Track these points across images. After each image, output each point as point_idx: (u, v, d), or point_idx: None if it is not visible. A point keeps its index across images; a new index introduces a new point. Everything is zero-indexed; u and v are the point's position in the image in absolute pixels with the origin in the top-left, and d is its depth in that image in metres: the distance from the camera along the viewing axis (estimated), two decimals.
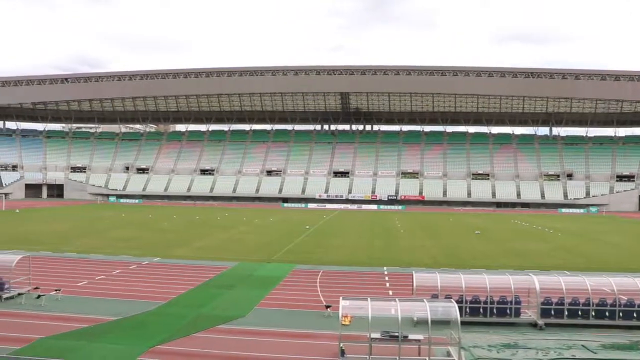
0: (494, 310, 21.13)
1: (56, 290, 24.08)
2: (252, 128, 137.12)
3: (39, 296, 23.19)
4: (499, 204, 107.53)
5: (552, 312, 20.94)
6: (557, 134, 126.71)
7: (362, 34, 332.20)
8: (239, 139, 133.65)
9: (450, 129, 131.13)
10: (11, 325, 19.73)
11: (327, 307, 21.75)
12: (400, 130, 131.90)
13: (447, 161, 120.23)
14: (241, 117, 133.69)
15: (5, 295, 23.58)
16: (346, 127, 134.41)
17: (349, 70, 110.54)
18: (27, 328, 19.36)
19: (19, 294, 23.89)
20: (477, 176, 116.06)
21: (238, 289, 26.53)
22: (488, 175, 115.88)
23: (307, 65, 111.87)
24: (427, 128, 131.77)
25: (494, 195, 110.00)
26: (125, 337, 18.57)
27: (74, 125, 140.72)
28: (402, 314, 16.06)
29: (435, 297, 20.41)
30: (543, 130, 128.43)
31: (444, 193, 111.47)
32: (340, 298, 17.15)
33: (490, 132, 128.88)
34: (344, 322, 16.62)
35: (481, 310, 21.12)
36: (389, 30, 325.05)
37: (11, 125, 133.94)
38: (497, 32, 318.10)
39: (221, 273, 30.54)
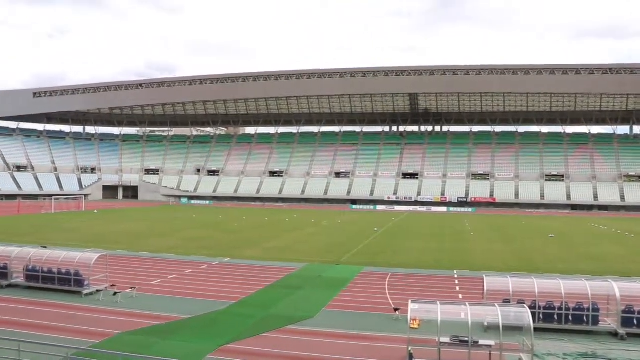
0: (570, 317, 20.28)
1: (131, 288, 24.95)
2: (321, 130, 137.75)
3: (115, 293, 24.12)
4: (574, 207, 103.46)
5: (635, 322, 19.86)
6: (638, 132, 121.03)
7: (429, 34, 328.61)
8: (308, 141, 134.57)
9: (522, 129, 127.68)
10: (91, 320, 20.60)
11: (396, 309, 21.53)
12: (471, 130, 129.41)
13: (519, 162, 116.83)
14: (310, 120, 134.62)
15: (85, 292, 24.70)
16: (415, 128, 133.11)
17: (418, 71, 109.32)
18: (105, 323, 20.16)
19: (98, 291, 24.94)
20: (550, 177, 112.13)
21: (306, 290, 26.66)
22: (562, 176, 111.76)
23: (375, 67, 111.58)
24: (498, 128, 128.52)
25: (568, 197, 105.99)
26: (196, 335, 18.98)
27: (147, 129, 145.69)
28: (472, 319, 15.67)
29: (507, 302, 19.87)
30: (623, 129, 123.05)
31: (516, 195, 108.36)
32: (409, 301, 16.91)
33: (564, 132, 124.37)
34: (412, 326, 16.36)
35: (555, 316, 20.34)
36: (458, 29, 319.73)
37: (90, 129, 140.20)
38: (572, 28, 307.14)
39: (290, 274, 30.78)
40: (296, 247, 42.75)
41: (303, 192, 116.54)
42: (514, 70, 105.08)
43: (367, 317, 21.77)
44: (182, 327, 19.84)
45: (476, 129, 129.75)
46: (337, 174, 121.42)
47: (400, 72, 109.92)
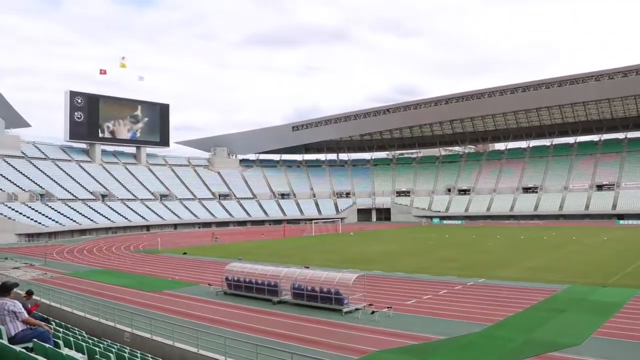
0: None
1: (388, 307, 25.47)
2: (577, 140, 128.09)
3: (373, 312, 24.87)
4: None
5: None
6: None
7: None
8: (563, 153, 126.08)
9: None
10: (351, 337, 21.51)
11: None
12: None
13: None
14: (563, 130, 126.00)
15: (345, 310, 25.91)
16: None
17: None
18: (364, 341, 20.86)
19: (356, 309, 25.96)
20: None
21: (570, 313, 24.56)
22: None
23: (637, 64, 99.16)
24: None
25: None
26: (453, 357, 18.62)
27: (397, 151, 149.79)
28: None
29: None
30: None
31: None
32: None
33: None
34: None
35: None
36: None
37: (343, 156, 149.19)
38: None
39: (551, 296, 28.72)
40: (556, 267, 39.89)
41: (560, 207, 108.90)
42: None
43: None
44: (438, 348, 19.64)
45: None
46: (599, 187, 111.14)
47: None
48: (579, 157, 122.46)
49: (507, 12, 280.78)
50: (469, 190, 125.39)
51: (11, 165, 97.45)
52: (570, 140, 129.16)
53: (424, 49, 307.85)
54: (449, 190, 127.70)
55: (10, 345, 7.91)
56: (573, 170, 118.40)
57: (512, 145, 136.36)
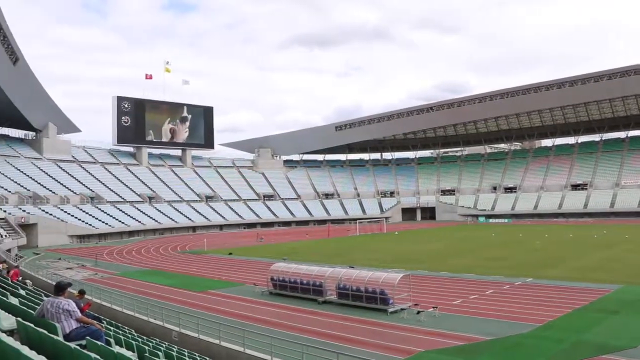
0: None
1: (433, 307, 25.26)
2: (629, 135, 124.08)
3: (418, 312, 24.71)
4: None
5: None
6: None
7: None
8: (614, 148, 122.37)
9: None
10: (396, 337, 21.43)
11: None
12: None
13: None
14: (614, 125, 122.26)
15: (390, 310, 25.83)
16: None
17: None
18: (410, 341, 20.76)
19: (402, 309, 25.86)
20: None
21: (624, 315, 23.83)
22: None
23: None
24: None
25: None
26: (500, 358, 18.37)
27: (441, 150, 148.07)
28: None
29: None
30: None
31: None
32: None
33: None
34: None
35: None
36: None
37: (387, 155, 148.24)
38: None
39: (602, 296, 27.97)
40: (608, 266, 38.81)
41: (612, 205, 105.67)
42: None
43: None
44: (485, 349, 19.38)
45: None
46: None
47: None
48: (631, 152, 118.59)
49: (552, 5, 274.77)
50: (515, 188, 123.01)
51: (63, 169, 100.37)
52: (621, 134, 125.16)
53: (467, 46, 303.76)
54: (495, 188, 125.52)
55: (66, 342, 8.15)
56: (625, 166, 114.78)
57: (559, 141, 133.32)
